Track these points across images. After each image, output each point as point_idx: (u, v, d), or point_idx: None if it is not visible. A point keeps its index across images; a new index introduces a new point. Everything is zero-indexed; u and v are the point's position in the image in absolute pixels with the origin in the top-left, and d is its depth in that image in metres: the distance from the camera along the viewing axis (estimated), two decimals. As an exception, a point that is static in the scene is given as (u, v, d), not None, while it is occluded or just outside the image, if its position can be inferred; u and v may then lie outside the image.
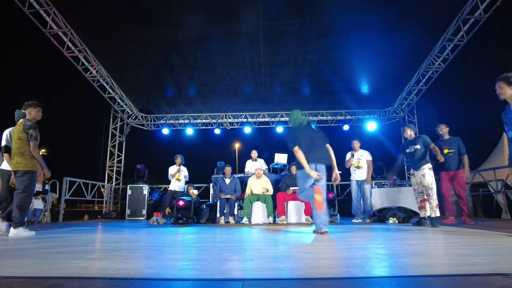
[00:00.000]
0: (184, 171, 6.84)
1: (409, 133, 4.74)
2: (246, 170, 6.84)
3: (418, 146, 4.51)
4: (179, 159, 6.79)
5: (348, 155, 6.12)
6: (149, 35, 6.83)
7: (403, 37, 6.87)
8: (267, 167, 6.82)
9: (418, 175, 4.48)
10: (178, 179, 6.70)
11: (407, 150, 4.69)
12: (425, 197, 4.45)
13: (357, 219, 5.86)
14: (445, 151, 4.90)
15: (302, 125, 3.68)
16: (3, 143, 3.97)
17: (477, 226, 4.17)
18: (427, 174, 4.38)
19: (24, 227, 3.72)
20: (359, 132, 10.69)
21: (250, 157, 6.99)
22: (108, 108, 10.08)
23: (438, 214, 4.34)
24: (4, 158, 3.95)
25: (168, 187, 7.07)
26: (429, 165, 4.43)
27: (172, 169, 6.79)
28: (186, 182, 6.97)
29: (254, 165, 6.69)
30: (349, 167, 6.09)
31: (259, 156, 6.95)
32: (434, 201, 4.32)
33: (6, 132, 4.02)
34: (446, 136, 5.08)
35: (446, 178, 4.96)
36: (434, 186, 4.37)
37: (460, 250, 2.07)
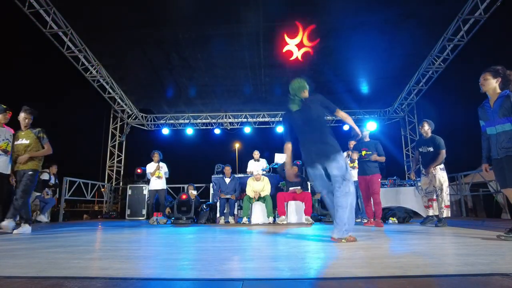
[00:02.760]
0: (164, 168, 6.42)
1: (426, 129, 4.53)
2: (248, 170, 6.83)
3: (430, 149, 4.45)
4: (156, 155, 6.34)
5: (344, 154, 6.09)
6: (149, 35, 6.83)
7: (403, 37, 6.88)
8: (268, 166, 6.82)
9: (430, 175, 4.46)
10: (158, 177, 6.28)
11: (420, 149, 4.62)
12: (434, 197, 4.46)
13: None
14: (363, 152, 4.74)
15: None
16: None
17: (477, 226, 4.17)
18: (438, 174, 4.36)
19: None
20: (359, 132, 10.67)
21: (251, 157, 6.98)
22: (108, 108, 10.09)
23: (448, 214, 4.33)
24: None
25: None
26: (441, 166, 4.39)
27: (150, 167, 6.34)
28: (167, 179, 6.63)
29: (256, 165, 6.69)
30: None
31: (260, 157, 6.95)
32: (444, 201, 4.30)
33: None
34: (367, 139, 4.87)
35: (361, 181, 4.76)
36: (445, 187, 4.34)
37: (460, 250, 2.07)
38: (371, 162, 4.64)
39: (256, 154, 6.85)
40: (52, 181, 7.01)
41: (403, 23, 6.44)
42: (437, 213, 4.44)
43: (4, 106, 4.00)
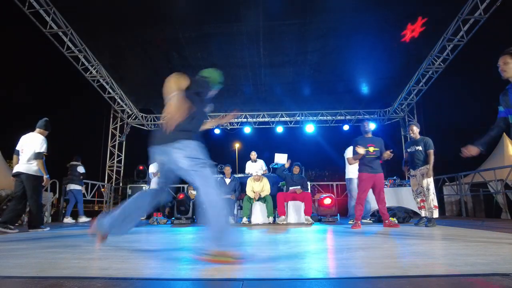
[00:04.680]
0: None
1: (415, 131, 4.62)
2: (246, 171, 6.83)
3: (419, 148, 4.51)
4: None
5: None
6: (149, 35, 6.83)
7: (403, 37, 6.87)
8: (266, 168, 6.80)
9: (417, 175, 4.51)
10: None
11: (409, 150, 4.68)
12: (424, 197, 4.48)
13: (368, 219, 5.70)
14: (371, 149, 4.47)
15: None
16: (45, 151, 4.31)
17: (477, 226, 4.17)
18: (425, 175, 4.42)
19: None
20: (359, 132, 10.68)
21: (250, 158, 6.96)
22: (108, 108, 10.08)
23: (436, 215, 4.35)
24: (38, 165, 4.26)
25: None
26: (428, 166, 4.44)
27: (153, 167, 6.20)
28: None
29: (254, 166, 6.67)
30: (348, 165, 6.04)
31: (259, 157, 6.93)
32: (432, 202, 4.34)
33: (44, 139, 4.38)
34: (370, 134, 4.69)
35: (367, 180, 4.40)
36: (431, 187, 4.39)
37: (460, 250, 2.06)
38: (377, 159, 4.46)
39: (253, 155, 6.82)
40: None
41: (403, 24, 6.44)
42: (427, 214, 4.45)
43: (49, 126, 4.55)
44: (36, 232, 4.09)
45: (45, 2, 6.00)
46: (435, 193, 4.46)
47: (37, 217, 4.27)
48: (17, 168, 4.19)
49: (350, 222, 5.21)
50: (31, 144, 4.25)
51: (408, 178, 5.44)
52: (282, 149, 6.72)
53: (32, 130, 4.47)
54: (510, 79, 2.53)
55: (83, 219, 6.75)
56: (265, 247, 2.42)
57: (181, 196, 5.81)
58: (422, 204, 4.52)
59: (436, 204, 4.39)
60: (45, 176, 4.28)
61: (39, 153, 4.22)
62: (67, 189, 6.82)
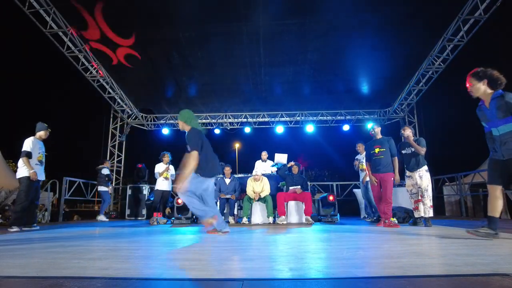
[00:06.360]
0: (171, 170, 6.45)
1: (408, 132, 4.64)
2: (255, 169, 6.82)
3: (413, 149, 4.51)
4: (167, 156, 6.39)
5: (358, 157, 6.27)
6: (149, 34, 6.82)
7: (403, 37, 6.87)
8: (275, 171, 6.80)
9: (415, 176, 4.50)
10: (166, 178, 6.31)
11: (403, 152, 4.67)
12: (419, 197, 4.48)
13: (371, 219, 5.89)
14: (376, 150, 4.60)
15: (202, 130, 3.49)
16: (28, 149, 4.42)
17: (477, 227, 4.16)
18: (424, 175, 4.44)
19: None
20: (359, 132, 10.68)
21: (251, 157, 6.99)
22: (108, 108, 10.08)
23: (431, 214, 4.41)
24: (23, 163, 4.37)
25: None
26: (426, 167, 4.48)
27: (159, 167, 6.41)
28: (173, 182, 6.71)
29: (264, 165, 6.72)
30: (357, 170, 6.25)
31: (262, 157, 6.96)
32: (429, 201, 4.39)
33: (30, 140, 4.50)
34: (378, 136, 4.74)
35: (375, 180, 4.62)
36: (430, 187, 4.45)
37: (460, 250, 2.07)
38: (384, 159, 4.50)
39: (265, 154, 6.87)
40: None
41: (403, 23, 6.44)
42: (422, 214, 4.46)
43: (46, 125, 4.65)
44: (35, 232, 4.09)
45: (45, 2, 6.00)
46: (431, 194, 4.53)
47: (16, 215, 4.32)
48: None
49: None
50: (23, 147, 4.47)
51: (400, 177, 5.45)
52: (282, 149, 6.74)
53: (33, 131, 4.65)
54: (480, 97, 2.77)
55: (101, 217, 7.05)
56: (265, 247, 2.42)
57: (179, 201, 5.76)
58: (416, 205, 4.54)
59: (431, 204, 4.45)
60: (31, 171, 4.35)
61: (22, 151, 4.40)
62: (97, 190, 7.38)
